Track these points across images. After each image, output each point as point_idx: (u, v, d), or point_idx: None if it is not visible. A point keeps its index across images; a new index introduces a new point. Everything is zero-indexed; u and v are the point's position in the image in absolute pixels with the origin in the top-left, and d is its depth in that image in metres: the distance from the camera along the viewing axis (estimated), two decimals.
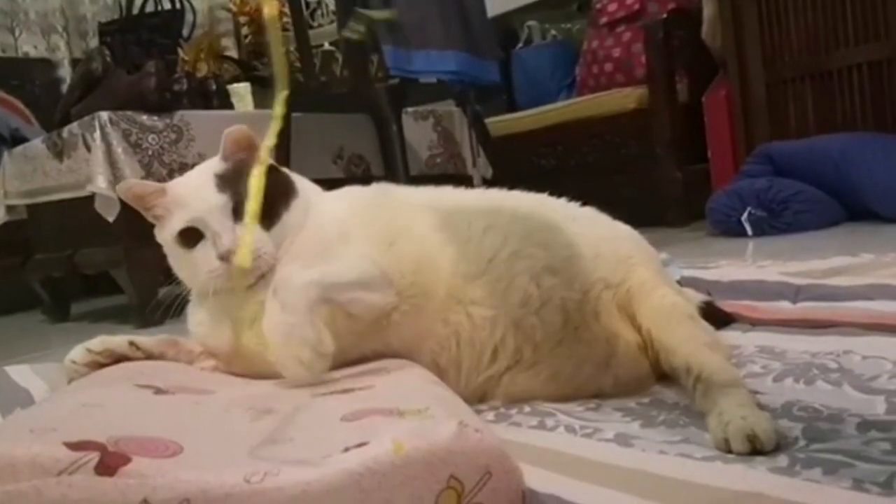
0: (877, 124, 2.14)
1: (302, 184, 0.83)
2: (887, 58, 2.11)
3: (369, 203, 0.83)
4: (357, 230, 0.78)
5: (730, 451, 0.56)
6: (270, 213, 0.76)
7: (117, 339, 0.76)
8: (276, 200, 0.77)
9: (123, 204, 1.70)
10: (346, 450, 0.42)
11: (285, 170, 0.84)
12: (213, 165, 0.80)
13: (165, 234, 0.78)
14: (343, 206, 0.83)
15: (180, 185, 0.80)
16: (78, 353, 0.76)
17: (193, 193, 0.77)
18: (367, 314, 0.73)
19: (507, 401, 0.74)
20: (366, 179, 0.89)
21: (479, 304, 0.74)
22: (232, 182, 0.77)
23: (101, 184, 1.69)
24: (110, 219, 1.69)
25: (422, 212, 0.81)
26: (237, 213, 0.75)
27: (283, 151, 1.94)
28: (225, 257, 0.73)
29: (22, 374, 0.91)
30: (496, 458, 0.43)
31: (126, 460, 0.40)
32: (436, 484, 0.41)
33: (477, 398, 0.75)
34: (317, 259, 0.74)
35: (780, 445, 0.55)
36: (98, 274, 2.04)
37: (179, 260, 0.78)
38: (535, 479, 0.50)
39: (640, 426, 0.64)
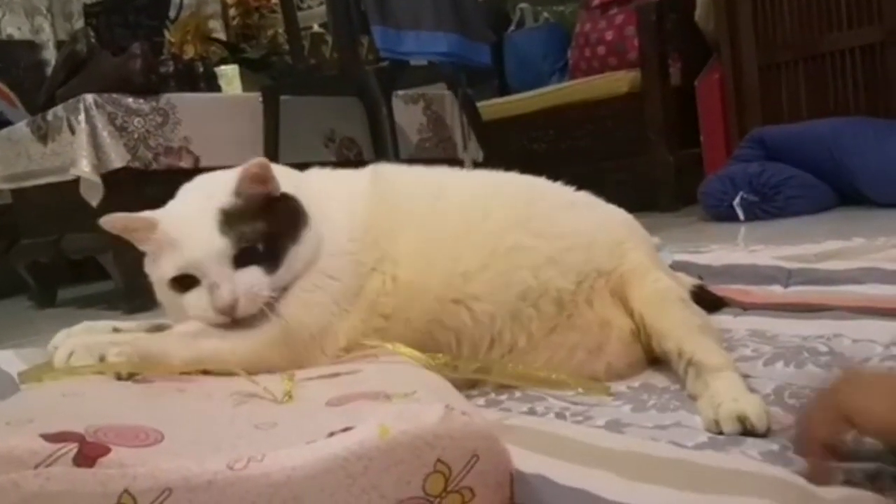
0: (869, 108, 2.13)
1: (314, 205, 0.74)
2: (880, 41, 2.11)
3: (366, 214, 0.76)
4: (346, 265, 0.73)
5: (720, 433, 0.56)
6: (274, 255, 0.69)
7: (101, 325, 0.75)
8: (283, 238, 0.70)
9: (108, 188, 1.71)
10: (332, 434, 0.41)
11: (296, 195, 0.75)
12: (220, 198, 0.70)
13: (155, 275, 0.71)
14: (342, 227, 0.76)
15: (175, 221, 0.70)
16: (61, 339, 0.74)
17: (190, 233, 0.68)
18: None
19: (499, 386, 0.74)
20: (357, 163, 0.86)
21: (481, 299, 0.74)
22: (238, 222, 0.68)
23: (84, 167, 1.67)
24: (94, 203, 1.67)
25: (420, 207, 0.78)
26: (239, 259, 0.67)
27: (272, 135, 1.92)
28: (224, 311, 0.66)
29: (6, 359, 0.90)
30: (483, 441, 0.43)
31: (105, 450, 0.39)
32: (422, 468, 0.41)
33: (469, 385, 0.74)
34: None
35: (770, 429, 0.55)
36: (85, 259, 2.02)
37: (169, 299, 0.71)
38: (523, 460, 0.50)
39: (631, 410, 0.64)
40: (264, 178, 0.71)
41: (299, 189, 0.76)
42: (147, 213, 0.71)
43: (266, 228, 0.69)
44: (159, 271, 0.70)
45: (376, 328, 0.73)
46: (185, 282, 0.69)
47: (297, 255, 0.70)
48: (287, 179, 0.75)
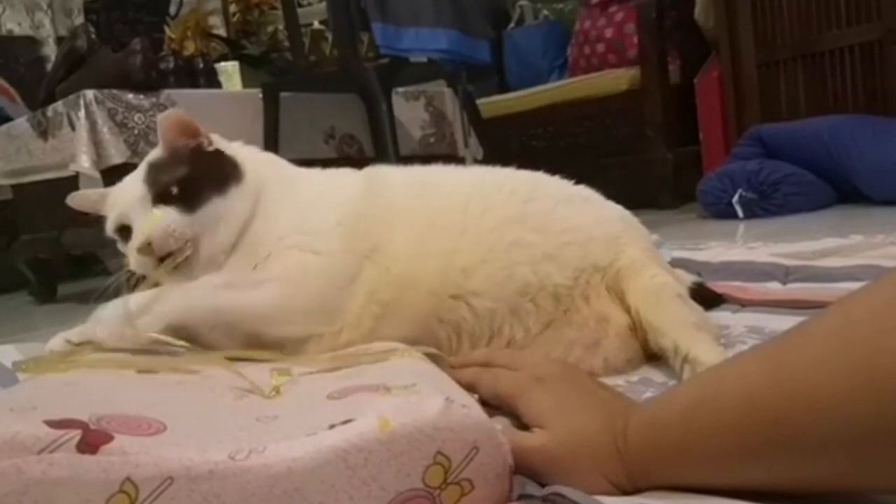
0: (867, 106, 2.14)
1: (259, 171, 0.79)
2: (878, 39, 2.11)
3: (356, 205, 0.78)
4: (333, 239, 0.74)
5: None
6: (191, 199, 0.73)
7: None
8: (204, 186, 0.74)
9: (109, 183, 1.70)
10: (332, 427, 0.42)
11: (235, 153, 0.80)
12: (151, 154, 0.78)
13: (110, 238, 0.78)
14: (330, 213, 0.77)
15: (119, 186, 0.78)
16: (58, 344, 0.74)
17: (123, 189, 0.76)
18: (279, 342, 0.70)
19: None
20: (358, 159, 0.86)
21: (481, 295, 0.74)
22: (159, 171, 0.75)
23: (84, 163, 1.67)
24: None
25: (414, 204, 0.79)
26: (156, 202, 0.73)
27: (272, 131, 1.92)
28: (142, 251, 0.71)
29: (7, 354, 0.90)
30: (483, 433, 0.43)
31: (108, 438, 0.39)
32: (422, 460, 0.41)
33: None
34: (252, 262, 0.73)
35: None
36: (85, 254, 2.02)
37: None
38: None
39: None
40: (188, 129, 0.76)
41: (289, 178, 0.81)
42: (102, 189, 0.80)
43: (184, 174, 0.73)
44: (108, 233, 0.77)
45: (375, 314, 0.73)
46: (125, 235, 0.75)
47: (220, 206, 0.74)
48: (275, 167, 0.82)
